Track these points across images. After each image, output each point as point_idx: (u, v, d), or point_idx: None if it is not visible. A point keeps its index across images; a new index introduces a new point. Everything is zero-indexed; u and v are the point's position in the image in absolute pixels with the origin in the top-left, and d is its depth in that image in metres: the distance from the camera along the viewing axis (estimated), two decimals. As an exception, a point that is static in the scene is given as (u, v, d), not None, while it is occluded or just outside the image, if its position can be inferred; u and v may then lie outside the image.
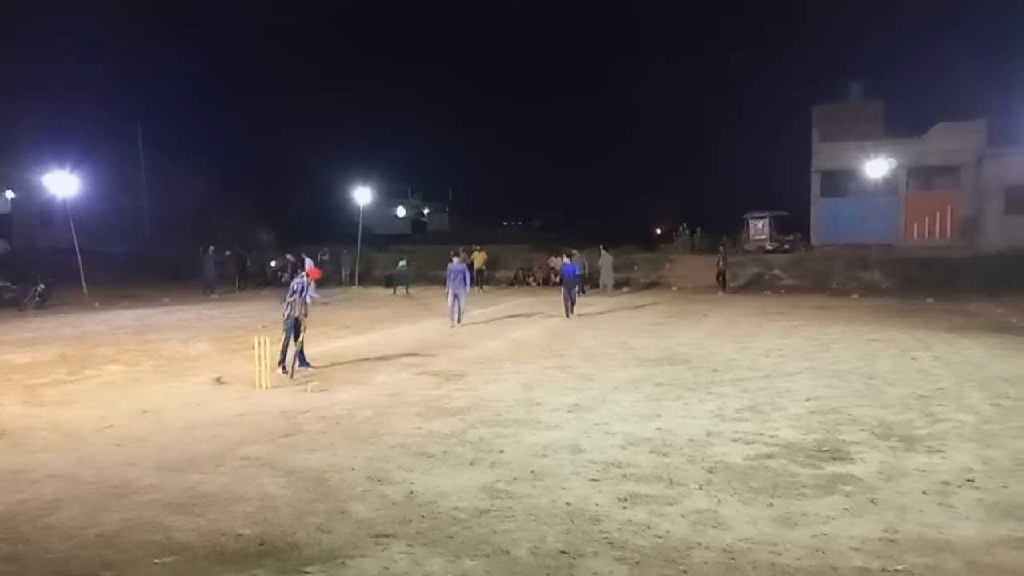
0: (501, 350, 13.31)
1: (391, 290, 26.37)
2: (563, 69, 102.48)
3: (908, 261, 26.00)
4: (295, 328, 11.03)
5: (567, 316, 17.81)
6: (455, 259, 17.30)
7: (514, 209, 66.33)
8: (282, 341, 11.09)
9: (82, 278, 22.35)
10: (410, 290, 26.01)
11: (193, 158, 39.74)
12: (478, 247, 29.55)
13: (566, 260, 20.59)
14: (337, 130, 66.81)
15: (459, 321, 16.35)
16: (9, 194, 39.43)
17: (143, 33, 50.24)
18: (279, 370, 10.80)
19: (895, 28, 75.79)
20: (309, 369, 11.10)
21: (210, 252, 26.07)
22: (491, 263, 30.30)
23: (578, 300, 19.27)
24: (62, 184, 23.15)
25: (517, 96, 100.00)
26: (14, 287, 21.37)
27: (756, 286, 26.53)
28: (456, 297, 16.26)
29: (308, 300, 11.40)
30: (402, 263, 27.00)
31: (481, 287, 27.93)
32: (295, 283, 11.21)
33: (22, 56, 39.68)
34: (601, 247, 26.28)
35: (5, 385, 10.52)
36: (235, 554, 4.87)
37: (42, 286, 21.24)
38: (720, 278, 25.32)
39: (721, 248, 27.76)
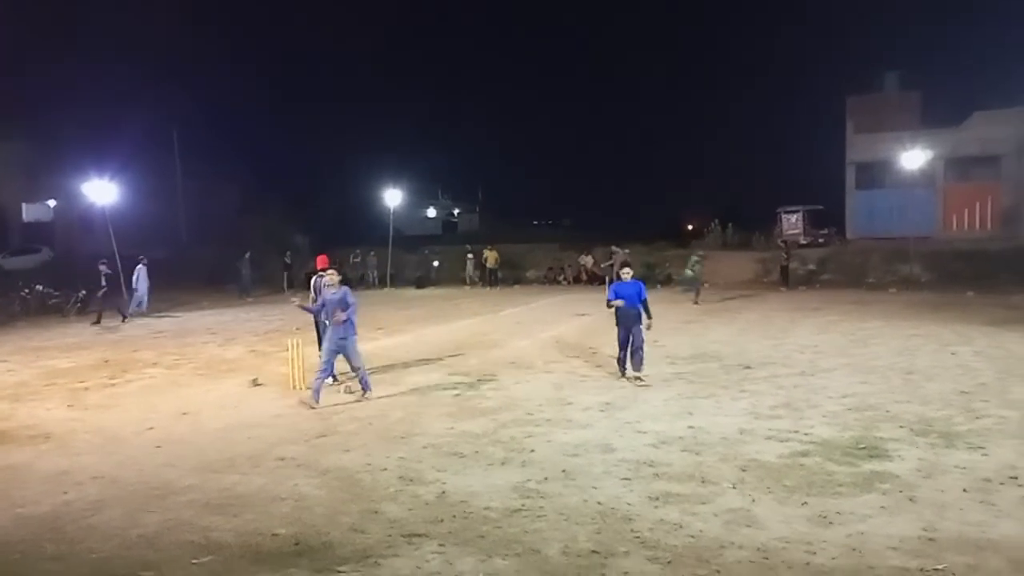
0: (532, 349, 13.31)
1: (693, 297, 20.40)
2: (592, 67, 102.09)
3: (947, 254, 25.38)
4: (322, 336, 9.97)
5: (624, 375, 10.23)
6: (326, 277, 9.67)
7: (544, 208, 66.38)
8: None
9: (122, 284, 22.80)
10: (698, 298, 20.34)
11: (227, 164, 40.38)
12: (489, 247, 29.08)
13: (623, 274, 10.40)
14: (368, 132, 67.35)
15: (315, 400, 8.97)
16: (51, 202, 40.43)
17: (178, 41, 51.17)
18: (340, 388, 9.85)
19: (930, 16, 74.21)
20: (332, 383, 9.96)
21: (246, 257, 26.48)
22: (518, 262, 30.24)
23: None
24: (101, 192, 23.62)
25: (547, 96, 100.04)
26: (57, 293, 21.95)
27: (790, 282, 26.15)
28: (331, 352, 9.23)
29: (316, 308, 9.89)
30: (695, 262, 21.57)
31: (493, 287, 27.72)
32: (315, 283, 10.45)
33: (61, 66, 40.55)
34: (612, 247, 25.95)
35: (50, 389, 10.83)
36: (271, 554, 4.96)
37: (83, 292, 21.78)
38: (783, 273, 24.93)
39: (782, 243, 27.55)
